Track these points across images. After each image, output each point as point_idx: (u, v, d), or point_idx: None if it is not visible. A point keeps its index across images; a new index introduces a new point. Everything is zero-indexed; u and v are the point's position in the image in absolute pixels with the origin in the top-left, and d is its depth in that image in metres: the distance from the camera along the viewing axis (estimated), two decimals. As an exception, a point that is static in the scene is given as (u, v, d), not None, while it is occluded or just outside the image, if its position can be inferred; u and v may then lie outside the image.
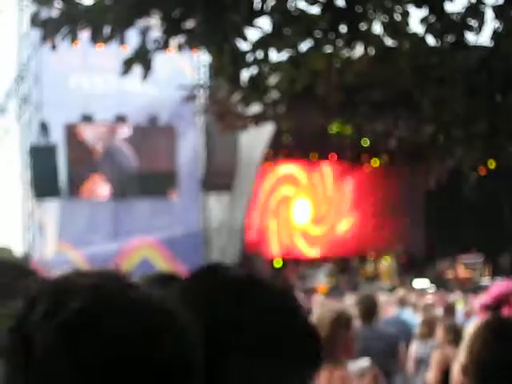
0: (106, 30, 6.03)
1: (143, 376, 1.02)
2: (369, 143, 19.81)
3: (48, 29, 6.17)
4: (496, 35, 6.87)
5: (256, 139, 19.71)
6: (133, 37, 6.40)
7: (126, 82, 16.79)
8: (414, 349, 8.29)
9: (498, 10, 6.51)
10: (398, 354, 7.31)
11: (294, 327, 1.27)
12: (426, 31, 6.55)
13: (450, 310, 10.40)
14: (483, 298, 4.57)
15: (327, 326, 4.19)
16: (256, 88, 7.04)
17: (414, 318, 9.81)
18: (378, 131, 11.30)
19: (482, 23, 6.40)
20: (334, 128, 19.10)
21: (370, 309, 6.87)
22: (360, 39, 6.64)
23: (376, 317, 7.03)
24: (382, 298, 10.03)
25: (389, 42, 6.92)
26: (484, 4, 6.37)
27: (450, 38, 6.59)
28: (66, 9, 6.04)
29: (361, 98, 9.25)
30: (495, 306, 3.70)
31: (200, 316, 1.15)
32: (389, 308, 10.11)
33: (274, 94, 8.58)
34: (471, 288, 18.70)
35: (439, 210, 25.91)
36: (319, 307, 8.52)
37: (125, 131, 19.19)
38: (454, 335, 6.86)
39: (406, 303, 10.60)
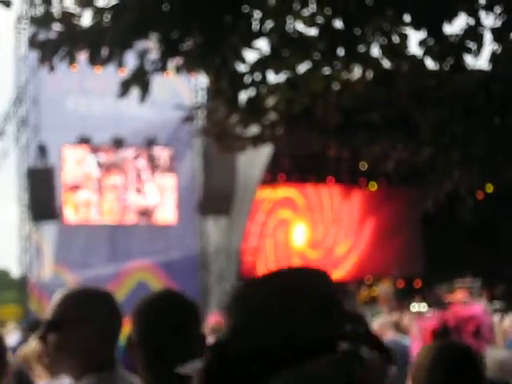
0: (104, 51, 6.01)
1: None
2: (367, 166, 19.81)
3: (46, 50, 6.15)
4: (494, 58, 6.86)
5: (254, 162, 19.69)
6: (131, 60, 6.38)
7: (124, 105, 16.84)
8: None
9: (497, 33, 6.50)
10: None
11: None
12: (425, 54, 6.53)
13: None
14: (430, 323, 4.50)
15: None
16: (254, 110, 7.02)
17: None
18: (375, 154, 11.28)
19: (480, 46, 6.38)
20: (331, 151, 19.13)
21: None
22: (358, 61, 6.64)
23: None
24: (380, 321, 9.95)
25: (387, 64, 6.91)
26: (483, 26, 6.35)
27: (449, 61, 6.57)
28: (64, 30, 6.03)
29: (359, 121, 9.24)
30: (442, 332, 3.66)
31: None
32: (387, 332, 10.05)
33: (272, 116, 8.57)
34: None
35: (437, 233, 25.84)
36: None
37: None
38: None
39: (405, 328, 10.52)
